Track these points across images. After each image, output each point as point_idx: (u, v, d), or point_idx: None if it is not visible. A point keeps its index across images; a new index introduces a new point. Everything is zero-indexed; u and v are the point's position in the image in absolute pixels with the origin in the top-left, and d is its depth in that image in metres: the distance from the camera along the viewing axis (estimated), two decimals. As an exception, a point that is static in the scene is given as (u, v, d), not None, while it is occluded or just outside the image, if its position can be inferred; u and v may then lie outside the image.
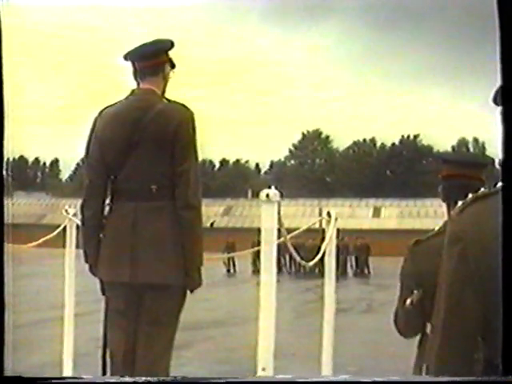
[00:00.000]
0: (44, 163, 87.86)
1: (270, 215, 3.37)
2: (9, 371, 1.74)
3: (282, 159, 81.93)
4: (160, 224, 3.41)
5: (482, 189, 2.67)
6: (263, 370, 3.32)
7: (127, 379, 1.83)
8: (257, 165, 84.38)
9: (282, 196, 3.42)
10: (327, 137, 79.49)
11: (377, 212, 54.21)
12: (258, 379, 2.34)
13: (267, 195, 3.34)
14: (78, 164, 79.03)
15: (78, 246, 4.47)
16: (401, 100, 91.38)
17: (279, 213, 3.40)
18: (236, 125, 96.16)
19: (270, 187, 3.45)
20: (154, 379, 1.76)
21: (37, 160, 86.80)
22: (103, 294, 3.62)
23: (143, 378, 1.77)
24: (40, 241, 5.86)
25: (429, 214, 48.80)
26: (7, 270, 1.77)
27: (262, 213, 3.37)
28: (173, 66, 3.64)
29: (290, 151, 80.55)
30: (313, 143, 79.44)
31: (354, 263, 29.48)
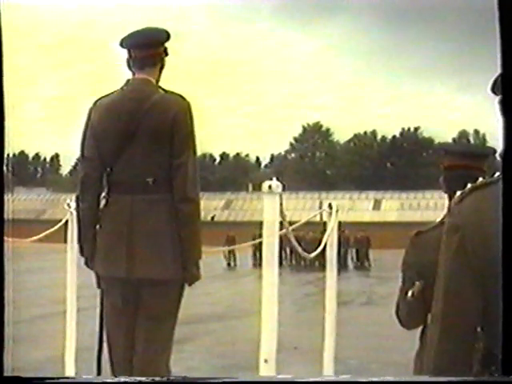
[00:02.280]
0: (44, 158, 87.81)
1: (272, 207, 3.34)
2: (9, 371, 1.73)
3: (283, 153, 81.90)
4: (157, 217, 3.34)
5: (481, 179, 2.67)
6: (265, 361, 3.30)
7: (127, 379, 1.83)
8: (257, 158, 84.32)
9: (284, 188, 3.39)
10: (328, 130, 79.40)
11: (377, 204, 54.20)
12: (258, 379, 2.33)
13: (269, 187, 3.31)
14: (78, 159, 78.66)
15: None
16: (404, 94, 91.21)
17: (281, 204, 3.38)
18: (236, 118, 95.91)
19: (271, 179, 3.41)
20: (149, 379, 1.76)
21: (37, 155, 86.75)
22: (99, 287, 3.55)
23: (143, 378, 1.77)
24: (42, 235, 5.82)
25: (429, 207, 48.79)
26: (7, 265, 1.75)
27: (264, 205, 3.34)
28: (166, 54, 3.55)
29: (291, 144, 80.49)
30: (313, 136, 79.34)
31: (354, 256, 29.52)
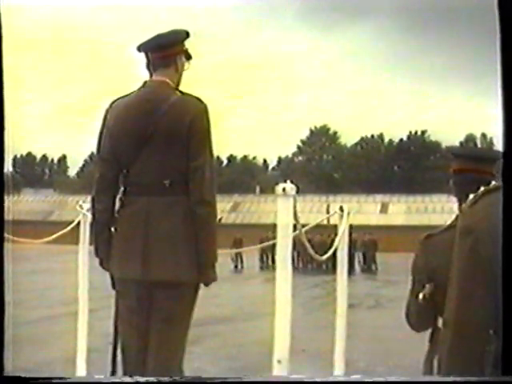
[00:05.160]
0: (52, 160, 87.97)
1: (286, 209, 3.33)
2: (9, 371, 1.74)
3: (290, 155, 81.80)
4: (173, 220, 3.32)
5: (493, 182, 2.67)
6: (279, 362, 3.31)
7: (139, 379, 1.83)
8: (264, 161, 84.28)
9: (297, 191, 3.37)
10: (335, 133, 79.36)
11: (384, 208, 54.10)
12: (265, 379, 2.33)
13: (284, 189, 3.30)
14: (85, 160, 79.26)
15: (91, 242, 4.43)
16: (412, 98, 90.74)
17: (295, 207, 3.37)
18: (244, 120, 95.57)
19: (285, 181, 3.39)
20: (157, 379, 1.77)
21: (44, 157, 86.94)
22: (114, 288, 3.54)
23: (152, 378, 1.78)
24: (54, 236, 5.80)
25: (436, 210, 48.73)
26: (9, 266, 1.77)
27: (278, 207, 3.33)
28: (189, 57, 3.52)
29: (298, 147, 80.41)
30: (321, 139, 79.32)
31: (361, 259, 29.47)
